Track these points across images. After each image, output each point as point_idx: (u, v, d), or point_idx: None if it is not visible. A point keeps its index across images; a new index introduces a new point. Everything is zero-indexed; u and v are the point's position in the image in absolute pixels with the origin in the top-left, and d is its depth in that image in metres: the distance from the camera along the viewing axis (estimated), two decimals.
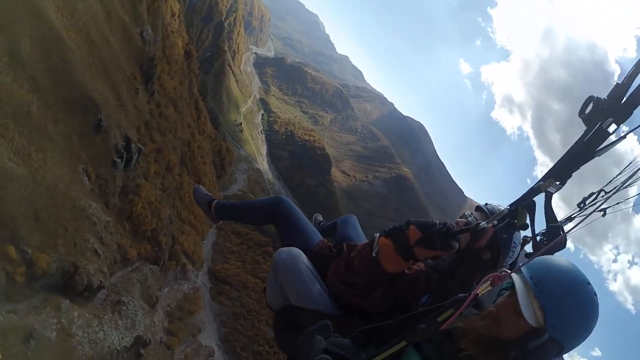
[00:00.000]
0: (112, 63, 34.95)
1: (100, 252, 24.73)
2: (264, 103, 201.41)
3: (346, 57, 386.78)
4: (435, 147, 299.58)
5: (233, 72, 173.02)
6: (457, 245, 2.31)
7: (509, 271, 1.93)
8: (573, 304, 1.83)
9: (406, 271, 2.65)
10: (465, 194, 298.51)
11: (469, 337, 1.95)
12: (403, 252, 2.43)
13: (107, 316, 25.64)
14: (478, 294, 1.96)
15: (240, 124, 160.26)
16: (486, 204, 3.10)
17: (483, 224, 2.33)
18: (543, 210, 2.57)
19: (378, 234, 2.69)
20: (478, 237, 2.57)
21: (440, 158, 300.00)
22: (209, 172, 74.31)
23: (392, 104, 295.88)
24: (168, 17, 62.37)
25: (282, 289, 3.07)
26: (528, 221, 2.67)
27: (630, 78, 2.04)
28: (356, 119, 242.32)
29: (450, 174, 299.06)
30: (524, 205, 2.38)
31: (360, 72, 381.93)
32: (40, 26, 25.59)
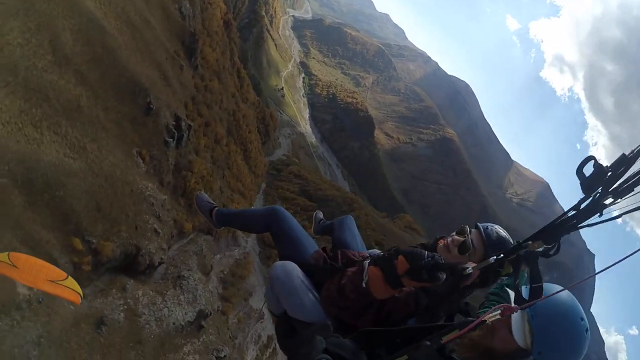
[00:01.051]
0: (154, 43, 35.44)
1: (159, 231, 25.80)
2: (304, 66, 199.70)
3: (386, 15, 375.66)
4: (481, 107, 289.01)
5: (272, 36, 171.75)
6: (444, 277, 2.36)
7: (519, 307, 1.97)
8: (562, 337, 2.00)
9: (396, 294, 2.72)
10: (512, 158, 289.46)
11: (463, 342, 2.05)
12: (391, 281, 2.51)
13: (170, 292, 26.97)
14: (485, 321, 2.01)
15: (282, 88, 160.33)
16: (487, 227, 3.00)
17: (469, 269, 2.39)
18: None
19: (367, 262, 2.79)
20: (463, 279, 2.58)
21: (487, 119, 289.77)
22: (254, 140, 75.39)
23: (436, 63, 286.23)
24: None
25: (279, 301, 3.21)
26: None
27: (638, 153, 1.96)
28: (399, 79, 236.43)
29: (497, 136, 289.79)
30: (509, 260, 2.35)
31: (401, 30, 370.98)
32: (79, 18, 25.91)
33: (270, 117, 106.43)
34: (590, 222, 2.10)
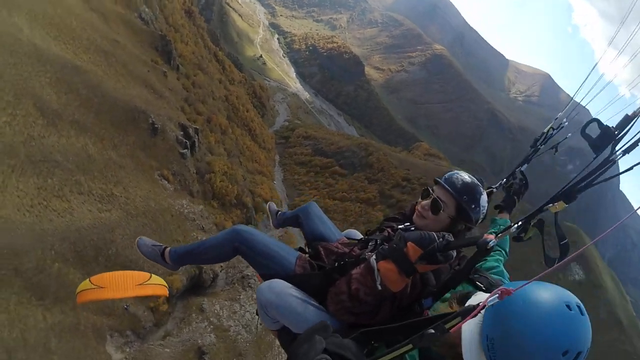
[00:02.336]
0: (131, 60, 34.80)
1: None
2: (275, 27, 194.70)
3: None
4: (463, 15, 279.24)
5: (233, 8, 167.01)
6: (455, 253, 2.29)
7: (513, 289, 1.62)
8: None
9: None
10: (507, 57, 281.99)
11: (447, 341, 1.95)
12: (406, 270, 2.38)
13: (242, 295, 27.36)
14: (486, 305, 1.73)
15: (261, 56, 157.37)
16: (447, 178, 2.94)
17: (491, 242, 2.17)
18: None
19: (374, 258, 2.55)
20: (488, 252, 2.34)
21: (471, 26, 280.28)
22: (254, 117, 74.91)
23: None
24: None
25: (277, 321, 3.07)
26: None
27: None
28: (372, 10, 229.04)
29: (486, 40, 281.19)
30: (534, 223, 2.35)
31: None
32: (52, 69, 24.88)
33: (261, 89, 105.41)
34: (604, 178, 2.11)
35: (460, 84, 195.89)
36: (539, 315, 1.57)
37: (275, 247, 3.27)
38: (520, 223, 2.23)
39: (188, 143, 30.68)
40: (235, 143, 51.02)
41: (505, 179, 3.70)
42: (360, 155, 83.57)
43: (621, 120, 2.24)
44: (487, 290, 2.39)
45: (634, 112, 2.13)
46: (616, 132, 2.20)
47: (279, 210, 4.50)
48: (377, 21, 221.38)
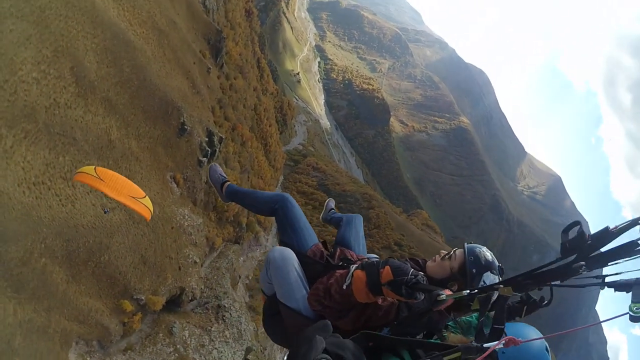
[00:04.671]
0: (182, 47, 33.55)
1: (197, 260, 25.17)
2: (320, 50, 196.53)
3: None
4: (497, 97, 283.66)
5: (287, 19, 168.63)
6: (422, 297, 2.38)
7: (523, 340, 1.94)
8: None
9: (379, 302, 2.77)
10: (526, 149, 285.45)
11: None
12: (372, 287, 2.54)
13: (214, 327, 26.21)
14: (495, 349, 2.02)
15: (298, 73, 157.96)
16: (471, 244, 3.12)
17: (443, 296, 2.44)
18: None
19: (354, 266, 2.80)
20: (437, 304, 2.55)
21: (502, 109, 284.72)
22: (274, 133, 74.19)
23: (453, 50, 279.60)
24: None
25: (271, 282, 3.28)
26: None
27: (620, 230, 1.99)
28: (415, 65, 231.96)
29: (512, 127, 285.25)
30: (479, 297, 2.46)
31: (418, 13, 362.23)
32: (102, 35, 23.03)
33: (288, 106, 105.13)
34: (555, 284, 2.24)
35: (475, 162, 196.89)
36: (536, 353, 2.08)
37: (304, 226, 3.65)
38: (471, 291, 2.45)
39: (209, 152, 29.28)
40: (250, 157, 49.81)
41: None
42: (362, 205, 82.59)
43: (599, 231, 2.12)
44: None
45: (616, 226, 2.01)
46: (588, 242, 2.11)
47: (332, 209, 4.87)
48: (415, 77, 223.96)
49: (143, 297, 20.45)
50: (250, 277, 43.18)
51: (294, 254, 3.27)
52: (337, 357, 1.89)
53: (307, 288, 3.17)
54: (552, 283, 2.23)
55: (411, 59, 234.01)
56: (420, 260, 3.35)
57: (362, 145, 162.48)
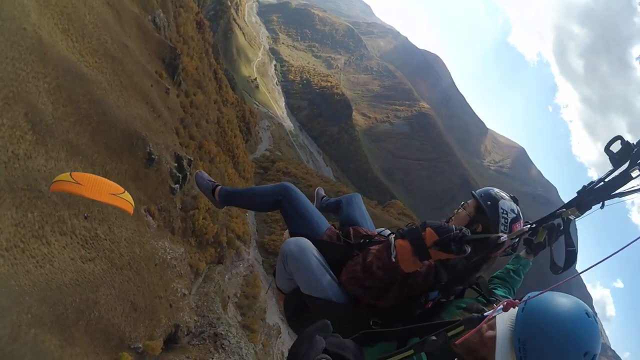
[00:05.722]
0: (137, 71, 32.88)
1: (185, 292, 24.83)
2: (274, 53, 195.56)
3: None
4: (453, 78, 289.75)
5: (239, 25, 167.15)
6: (469, 250, 2.32)
7: (519, 300, 1.88)
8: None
9: (418, 269, 2.66)
10: (487, 126, 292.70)
11: (465, 342, 2.02)
12: (420, 253, 2.43)
13: (216, 358, 25.75)
14: (492, 317, 1.98)
15: (255, 79, 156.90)
16: (481, 190, 3.11)
17: (504, 238, 2.39)
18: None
19: (393, 236, 2.63)
20: (498, 248, 2.54)
21: (459, 89, 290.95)
22: (239, 144, 73.52)
23: (406, 38, 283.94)
24: None
25: (292, 277, 3.10)
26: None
27: None
28: (370, 57, 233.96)
29: (471, 105, 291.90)
30: (545, 226, 2.43)
31: (368, 6, 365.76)
32: (54, 72, 21.96)
33: (250, 114, 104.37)
34: (620, 192, 2.21)
35: (440, 145, 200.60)
36: (565, 320, 1.72)
37: (312, 211, 3.47)
38: (533, 225, 2.50)
39: (180, 177, 28.70)
40: (220, 173, 49.20)
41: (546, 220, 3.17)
42: None
43: None
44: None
45: None
46: (635, 149, 2.18)
47: (324, 196, 4.67)
48: (372, 69, 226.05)
49: (140, 345, 20.15)
50: (238, 295, 42.77)
51: (310, 242, 3.12)
52: (337, 357, 1.86)
53: (332, 273, 3.04)
54: (613, 193, 2.25)
55: (366, 51, 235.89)
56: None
57: (328, 143, 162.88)
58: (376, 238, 3.17)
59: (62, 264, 17.90)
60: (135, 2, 40.36)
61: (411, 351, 1.97)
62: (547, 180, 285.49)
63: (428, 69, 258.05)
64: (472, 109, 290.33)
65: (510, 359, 1.80)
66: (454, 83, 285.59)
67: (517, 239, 2.65)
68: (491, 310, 2.00)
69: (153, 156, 26.84)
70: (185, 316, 24.29)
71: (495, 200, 2.96)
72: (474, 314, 2.06)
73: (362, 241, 3.19)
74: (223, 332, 27.95)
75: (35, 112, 20.09)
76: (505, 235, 2.40)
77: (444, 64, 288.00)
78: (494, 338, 1.89)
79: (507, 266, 3.22)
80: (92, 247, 19.81)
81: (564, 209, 2.36)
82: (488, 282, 3.05)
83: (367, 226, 3.65)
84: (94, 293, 18.66)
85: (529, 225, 2.49)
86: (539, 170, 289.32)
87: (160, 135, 29.77)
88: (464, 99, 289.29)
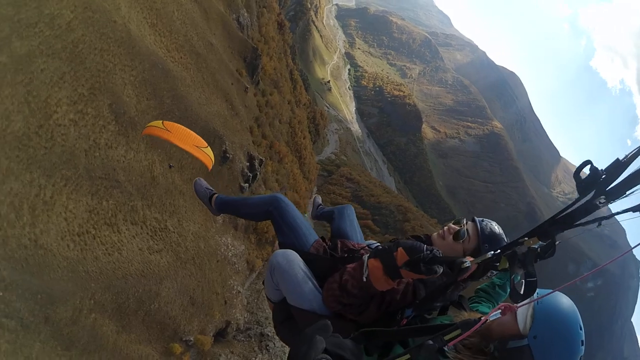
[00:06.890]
0: (219, 69, 32.88)
1: (240, 289, 24.79)
2: (349, 57, 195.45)
3: (430, 1, 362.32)
4: (529, 99, 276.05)
5: (317, 27, 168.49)
6: (441, 270, 2.31)
7: (518, 305, 2.03)
8: (560, 329, 1.99)
9: (395, 286, 2.69)
10: (560, 154, 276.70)
11: (463, 343, 2.08)
12: (391, 272, 2.47)
13: (259, 358, 25.75)
14: (488, 319, 2.06)
15: (328, 81, 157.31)
16: (482, 220, 3.12)
17: (467, 263, 2.40)
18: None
19: (367, 256, 2.67)
20: (462, 272, 2.47)
21: (535, 112, 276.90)
22: (308, 145, 73.53)
23: (484, 52, 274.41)
24: None
25: (279, 288, 3.16)
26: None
27: (630, 159, 2.05)
28: (446, 70, 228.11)
29: (546, 130, 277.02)
30: (506, 255, 2.39)
31: (447, 17, 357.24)
32: (140, 66, 22.03)
33: (321, 116, 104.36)
34: (582, 221, 2.19)
35: (509, 168, 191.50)
36: (566, 304, 2.05)
37: (301, 224, 3.51)
38: (496, 252, 2.44)
39: (250, 176, 28.73)
40: (287, 173, 48.98)
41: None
42: (397, 217, 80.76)
43: (610, 164, 2.16)
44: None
45: (625, 156, 2.07)
46: (603, 177, 2.14)
47: (320, 205, 4.89)
48: (446, 82, 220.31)
49: (192, 338, 20.35)
50: None
51: (297, 254, 3.16)
52: (337, 357, 1.87)
53: (318, 286, 3.05)
54: (577, 223, 2.18)
55: (442, 63, 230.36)
56: (422, 236, 3.23)
57: (394, 153, 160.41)
58: (361, 252, 3.16)
59: (130, 253, 17.90)
60: (221, 1, 40.81)
61: (407, 355, 2.00)
62: (618, 222, 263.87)
63: (504, 86, 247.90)
64: (546, 134, 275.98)
65: (528, 308, 2.01)
66: (530, 104, 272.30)
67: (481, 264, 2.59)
68: (489, 312, 2.14)
69: (228, 155, 26.84)
70: (237, 313, 24.68)
71: (494, 246, 2.94)
72: (470, 318, 2.14)
73: (346, 255, 3.22)
74: (269, 334, 27.85)
75: (120, 104, 20.13)
76: (469, 262, 2.40)
77: (521, 82, 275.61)
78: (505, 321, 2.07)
79: (494, 280, 3.26)
80: (160, 238, 19.81)
81: (526, 238, 2.33)
82: (474, 293, 3.21)
83: (356, 238, 3.68)
84: (157, 285, 18.65)
85: (491, 252, 2.40)
86: (609, 209, 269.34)
87: (236, 133, 29.65)
88: (540, 122, 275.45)
